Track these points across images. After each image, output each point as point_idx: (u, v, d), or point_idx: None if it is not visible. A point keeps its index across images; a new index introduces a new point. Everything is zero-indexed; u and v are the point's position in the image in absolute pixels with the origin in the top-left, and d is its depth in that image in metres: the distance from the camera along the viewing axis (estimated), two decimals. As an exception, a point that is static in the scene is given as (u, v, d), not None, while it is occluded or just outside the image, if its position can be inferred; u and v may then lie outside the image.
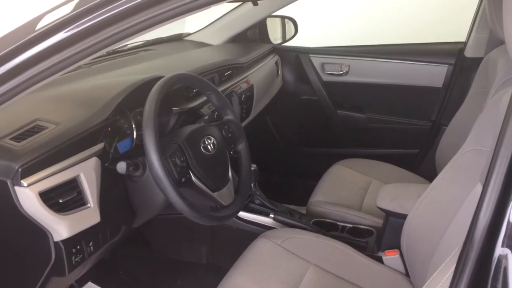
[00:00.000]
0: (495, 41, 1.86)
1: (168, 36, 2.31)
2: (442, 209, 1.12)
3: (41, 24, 0.83)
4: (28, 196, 0.96)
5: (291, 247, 1.39)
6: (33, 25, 0.84)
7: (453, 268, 0.69)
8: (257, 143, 1.78)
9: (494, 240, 0.63)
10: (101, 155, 1.14)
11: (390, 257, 1.39)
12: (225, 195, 1.36)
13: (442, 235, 1.05)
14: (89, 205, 1.08)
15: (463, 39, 2.16)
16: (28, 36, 0.82)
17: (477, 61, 1.81)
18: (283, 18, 2.45)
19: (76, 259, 1.10)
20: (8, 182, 0.95)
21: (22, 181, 0.95)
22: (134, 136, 1.29)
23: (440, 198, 1.18)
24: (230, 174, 1.41)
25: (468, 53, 2.10)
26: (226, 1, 0.84)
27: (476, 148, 1.05)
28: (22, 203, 0.97)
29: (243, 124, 1.92)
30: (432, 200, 1.21)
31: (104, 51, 0.85)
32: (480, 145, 1.03)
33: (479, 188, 0.91)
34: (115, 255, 1.81)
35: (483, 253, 0.62)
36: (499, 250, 0.62)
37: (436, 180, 1.21)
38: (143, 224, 1.39)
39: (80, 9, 0.80)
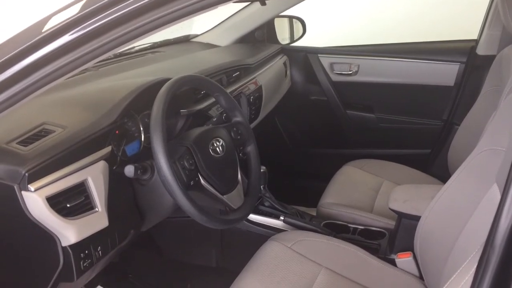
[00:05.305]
0: (508, 38, 1.83)
1: (175, 38, 2.30)
2: (457, 210, 1.10)
3: (48, 26, 0.82)
4: (35, 201, 0.95)
5: (301, 250, 1.37)
6: (40, 27, 0.83)
7: (471, 271, 0.67)
8: (266, 145, 1.77)
9: (516, 244, 0.60)
10: (108, 159, 1.13)
11: (403, 259, 1.37)
12: (234, 198, 1.35)
13: (457, 237, 1.03)
14: (97, 209, 1.07)
15: (474, 37, 2.13)
16: (35, 38, 0.81)
17: (489, 59, 1.78)
18: (291, 18, 2.43)
19: (85, 264, 1.09)
20: (15, 187, 0.95)
21: (29, 185, 0.94)
22: (142, 139, 1.28)
23: (454, 199, 1.15)
24: (239, 176, 1.39)
25: (480, 50, 2.06)
26: (233, 1, 0.83)
27: (491, 148, 1.03)
28: (29, 208, 0.96)
29: (252, 125, 1.90)
30: (446, 202, 1.18)
31: (111, 53, 0.84)
32: (495, 145, 1.01)
33: (495, 188, 0.89)
34: (124, 258, 1.80)
35: (505, 257, 0.60)
36: (522, 253, 0.60)
37: (450, 181, 1.19)
38: (153, 228, 1.38)
39: (86, 11, 0.79)
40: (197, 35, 2.37)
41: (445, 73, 2.14)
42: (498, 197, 0.80)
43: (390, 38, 2.39)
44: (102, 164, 1.10)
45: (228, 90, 1.65)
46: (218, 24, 2.32)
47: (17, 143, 1.01)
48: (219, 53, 2.16)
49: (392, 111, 2.31)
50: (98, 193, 1.07)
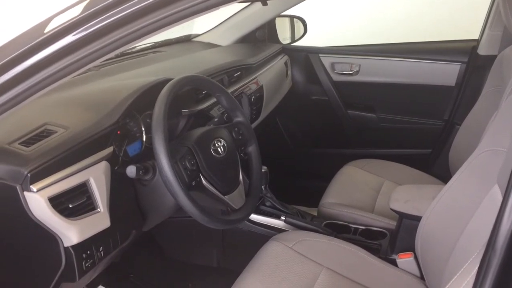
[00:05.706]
0: (510, 38, 1.83)
1: (176, 38, 2.30)
2: (458, 211, 1.10)
3: (50, 27, 0.82)
4: (37, 202, 0.95)
5: (303, 250, 1.37)
6: (42, 28, 0.83)
7: (473, 272, 0.67)
8: (267, 145, 1.77)
9: (517, 245, 0.60)
10: (110, 159, 1.13)
11: (404, 259, 1.37)
12: (236, 198, 1.35)
13: (458, 238, 1.03)
14: (99, 209, 1.07)
15: (476, 37, 2.13)
16: (37, 39, 0.81)
17: (490, 59, 1.78)
18: (292, 17, 2.43)
19: (87, 264, 1.09)
20: (18, 188, 0.95)
21: (31, 186, 0.95)
22: (144, 139, 1.28)
23: (455, 200, 1.15)
24: (240, 176, 1.39)
25: (482, 50, 2.06)
26: (236, 1, 0.83)
27: (493, 149, 1.03)
28: (31, 208, 0.96)
29: (253, 125, 1.90)
30: (447, 202, 1.18)
31: (113, 54, 0.84)
32: (497, 145, 1.01)
33: (496, 189, 0.89)
34: (126, 258, 1.80)
35: (506, 259, 0.60)
36: (523, 255, 0.60)
37: (451, 181, 1.19)
38: (154, 228, 1.38)
39: (88, 12, 0.79)
40: (198, 35, 2.37)
41: (446, 73, 2.14)
42: (499, 198, 0.81)
43: (391, 38, 2.39)
44: (104, 165, 1.11)
45: (229, 90, 1.65)
46: (219, 24, 2.32)
47: (19, 144, 1.01)
48: (220, 53, 2.16)
49: (393, 111, 2.31)
50: (100, 193, 1.07)
